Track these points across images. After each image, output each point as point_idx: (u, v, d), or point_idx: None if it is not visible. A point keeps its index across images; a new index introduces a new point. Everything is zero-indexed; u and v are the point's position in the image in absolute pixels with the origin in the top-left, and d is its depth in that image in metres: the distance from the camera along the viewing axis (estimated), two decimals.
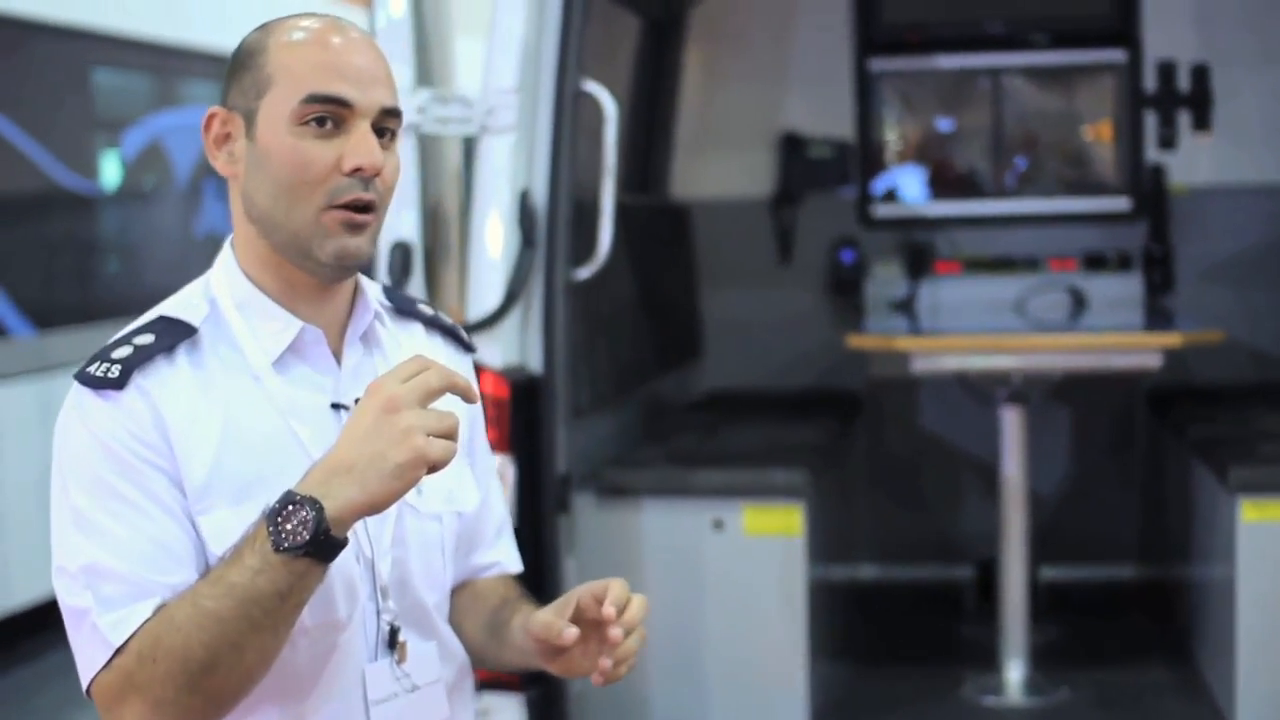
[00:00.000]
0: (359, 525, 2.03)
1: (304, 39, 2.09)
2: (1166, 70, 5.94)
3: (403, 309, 2.32)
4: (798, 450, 5.20)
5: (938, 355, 5.28)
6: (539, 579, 4.13)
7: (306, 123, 2.06)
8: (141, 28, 8.51)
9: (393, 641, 2.16)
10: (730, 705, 4.84)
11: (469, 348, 2.42)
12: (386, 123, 2.11)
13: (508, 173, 4.17)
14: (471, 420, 2.35)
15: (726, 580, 4.85)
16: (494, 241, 4.16)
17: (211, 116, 2.12)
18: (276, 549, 1.90)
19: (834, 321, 6.42)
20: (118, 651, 1.95)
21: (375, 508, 1.95)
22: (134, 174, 8.86)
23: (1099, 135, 6.13)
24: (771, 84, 6.59)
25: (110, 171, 8.61)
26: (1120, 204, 6.05)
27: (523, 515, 4.10)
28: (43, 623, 7.30)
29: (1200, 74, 5.94)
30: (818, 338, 6.44)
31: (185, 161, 9.13)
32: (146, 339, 2.08)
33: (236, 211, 2.15)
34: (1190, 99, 5.96)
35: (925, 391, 6.54)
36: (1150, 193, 6.08)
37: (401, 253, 4.09)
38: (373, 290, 2.23)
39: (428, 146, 4.22)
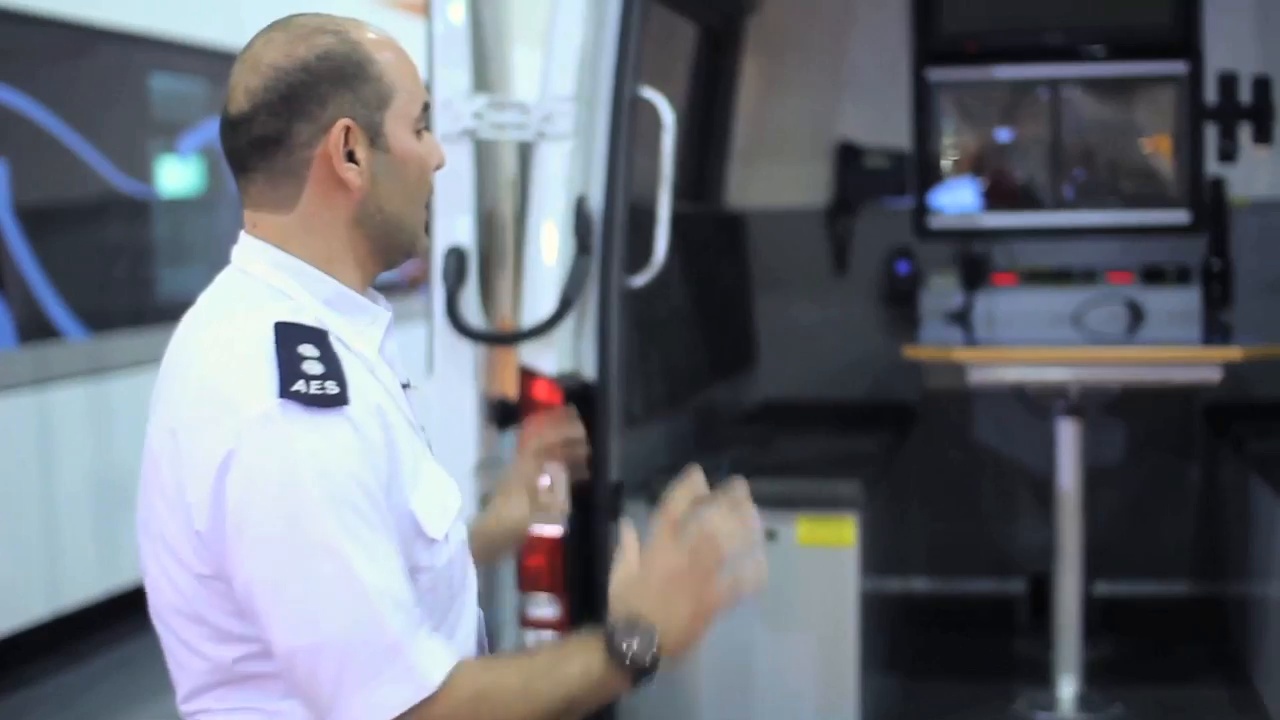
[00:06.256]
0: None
1: (396, 48, 2.18)
2: (1227, 82, 5.88)
3: None
4: (852, 461, 5.17)
5: (995, 367, 5.23)
6: (590, 588, 4.12)
7: (421, 129, 2.18)
8: (197, 33, 8.54)
9: None
10: (780, 716, 4.81)
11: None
12: None
13: (564, 179, 4.14)
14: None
15: (779, 591, 4.81)
16: (549, 248, 4.14)
17: (347, 130, 2.08)
18: (627, 662, 2.10)
19: (889, 332, 6.38)
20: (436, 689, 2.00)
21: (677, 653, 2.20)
22: (189, 178, 8.89)
23: (1158, 147, 6.09)
24: (828, 93, 6.55)
25: (165, 176, 8.63)
26: (1179, 217, 6.01)
27: (574, 523, 4.08)
28: (93, 624, 7.32)
29: (1262, 86, 5.88)
30: (872, 348, 6.40)
31: None
32: (310, 349, 2.01)
33: (333, 219, 2.12)
34: (1251, 111, 5.90)
35: (980, 403, 6.49)
36: (1210, 206, 6.03)
37: (456, 258, 4.07)
38: None
39: (484, 152, 4.20)
